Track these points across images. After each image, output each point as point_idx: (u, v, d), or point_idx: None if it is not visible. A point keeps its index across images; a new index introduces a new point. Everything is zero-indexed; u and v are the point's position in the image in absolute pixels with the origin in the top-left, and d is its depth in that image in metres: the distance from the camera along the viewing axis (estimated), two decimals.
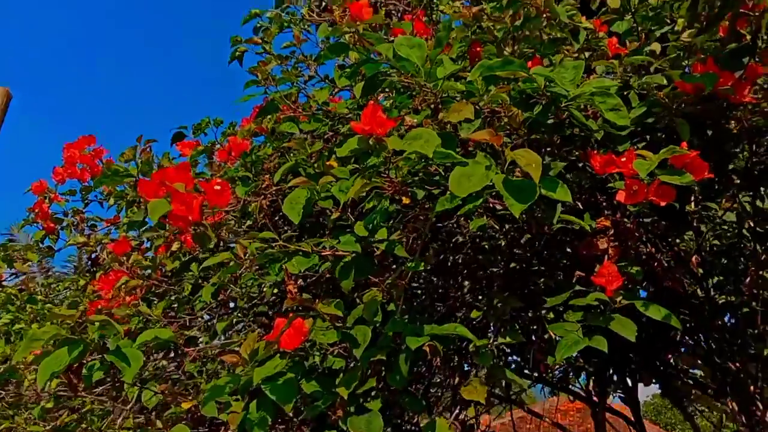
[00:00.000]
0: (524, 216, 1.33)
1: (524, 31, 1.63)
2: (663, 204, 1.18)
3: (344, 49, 1.37)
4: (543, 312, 1.45)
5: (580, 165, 1.42)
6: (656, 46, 1.65)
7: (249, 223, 1.59)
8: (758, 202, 1.96)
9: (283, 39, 1.98)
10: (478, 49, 1.79)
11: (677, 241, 2.23)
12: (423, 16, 2.03)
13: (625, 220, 1.54)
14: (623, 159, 1.20)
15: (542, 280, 1.46)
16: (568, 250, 1.51)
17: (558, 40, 1.57)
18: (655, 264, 2.23)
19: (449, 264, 1.78)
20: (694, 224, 2.14)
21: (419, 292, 1.90)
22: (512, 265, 1.51)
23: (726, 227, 2.29)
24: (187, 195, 1.07)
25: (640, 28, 1.78)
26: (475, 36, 1.75)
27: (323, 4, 2.01)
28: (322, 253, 1.14)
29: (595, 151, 1.30)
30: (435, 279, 1.82)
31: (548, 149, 1.40)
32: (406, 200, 1.13)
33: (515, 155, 1.05)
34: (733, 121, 1.59)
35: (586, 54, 1.65)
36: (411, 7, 2.00)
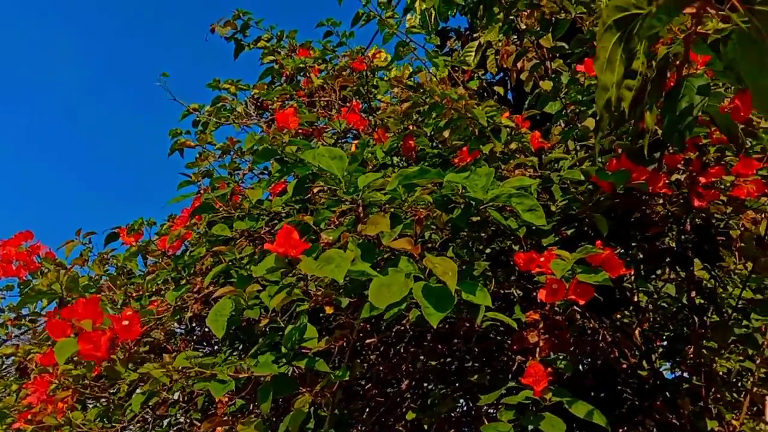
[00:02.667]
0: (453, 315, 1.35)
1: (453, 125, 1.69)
2: (582, 302, 1.21)
3: (272, 154, 1.40)
4: (479, 407, 1.45)
5: (508, 261, 1.45)
6: (590, 122, 1.72)
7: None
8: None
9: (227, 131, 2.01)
10: (411, 142, 1.85)
11: (617, 315, 2.27)
12: (359, 107, 2.08)
13: (557, 309, 1.57)
14: (542, 258, 1.23)
15: (476, 376, 1.47)
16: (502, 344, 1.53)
17: (484, 135, 1.64)
18: (599, 339, 2.26)
19: (391, 356, 1.78)
20: (635, 299, 2.19)
21: (363, 383, 1.89)
22: (448, 359, 1.52)
23: (667, 300, 2.35)
24: (94, 333, 1.06)
25: (569, 110, 1.87)
26: (408, 130, 1.81)
27: (260, 101, 2.06)
28: (240, 376, 1.12)
29: (520, 250, 1.34)
30: (380, 369, 1.81)
31: (476, 244, 1.43)
32: (329, 310, 1.14)
33: (432, 264, 1.07)
34: (653, 210, 1.66)
35: (514, 145, 1.72)
36: (347, 100, 2.06)
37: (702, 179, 1.59)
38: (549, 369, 1.38)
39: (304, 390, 1.24)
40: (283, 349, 1.18)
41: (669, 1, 0.42)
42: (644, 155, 1.48)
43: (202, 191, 1.76)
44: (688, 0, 0.42)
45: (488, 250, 1.67)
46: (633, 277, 2.10)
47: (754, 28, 0.43)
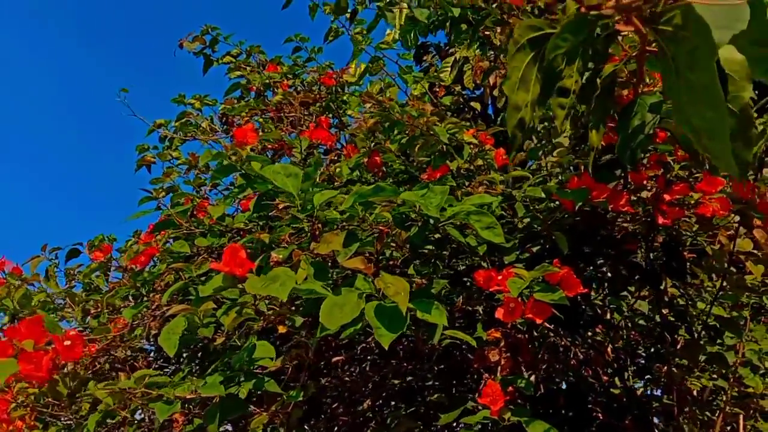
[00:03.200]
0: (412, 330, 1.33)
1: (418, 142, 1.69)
2: (539, 321, 1.20)
3: (232, 170, 1.38)
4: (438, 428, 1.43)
5: (467, 280, 1.44)
6: (564, 140, 1.72)
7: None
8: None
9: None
10: (377, 159, 1.84)
11: (589, 333, 2.26)
12: (327, 123, 2.07)
13: (520, 327, 1.56)
14: (500, 277, 1.22)
15: (436, 395, 1.45)
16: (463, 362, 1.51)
17: (449, 152, 1.63)
18: (570, 357, 2.25)
19: (357, 373, 1.76)
20: (607, 316, 2.18)
21: (330, 401, 1.86)
22: (409, 378, 1.50)
23: (640, 317, 2.34)
24: (35, 354, 1.04)
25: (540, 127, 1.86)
26: (375, 146, 1.80)
27: (226, 116, 2.05)
28: (188, 397, 1.10)
29: (480, 269, 1.33)
30: (346, 387, 1.79)
31: (437, 262, 1.42)
32: (282, 329, 1.12)
33: (384, 283, 1.06)
34: (620, 228, 1.66)
35: (480, 162, 1.72)
36: (315, 116, 2.05)
37: (666, 197, 1.59)
38: (510, 388, 1.36)
39: (259, 410, 1.22)
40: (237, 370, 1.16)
41: (572, 22, 0.42)
42: (607, 173, 1.48)
43: (170, 207, 1.74)
44: (593, 22, 0.41)
45: (462, 268, 1.66)
46: (604, 295, 2.10)
47: (662, 51, 0.42)
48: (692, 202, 1.61)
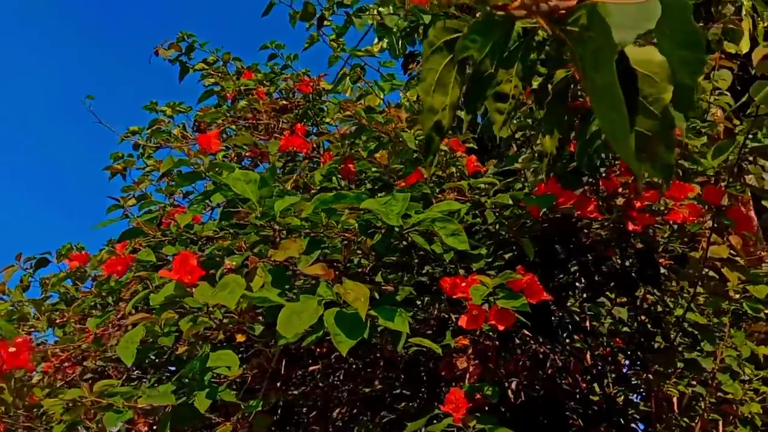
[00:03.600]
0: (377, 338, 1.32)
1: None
2: (501, 328, 1.19)
3: (195, 178, 1.37)
4: None
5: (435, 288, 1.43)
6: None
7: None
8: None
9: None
10: (351, 166, 1.83)
11: (567, 341, 2.25)
12: (303, 131, 2.06)
13: (491, 334, 1.55)
14: (463, 284, 1.22)
15: (403, 404, 1.44)
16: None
17: (418, 160, 1.63)
18: (547, 365, 2.23)
19: (331, 381, 1.74)
20: (585, 323, 2.18)
21: (305, 410, 1.84)
22: (380, 387, 1.49)
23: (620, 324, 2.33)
24: None
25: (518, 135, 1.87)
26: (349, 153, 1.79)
27: (196, 123, 2.04)
28: (139, 406, 1.08)
29: (446, 276, 1.32)
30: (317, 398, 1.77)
31: (406, 270, 1.42)
32: (240, 337, 1.11)
33: (344, 290, 1.05)
34: (593, 234, 1.65)
35: (453, 170, 1.71)
36: (290, 123, 2.04)
37: (637, 203, 1.59)
38: (478, 395, 1.36)
39: (222, 420, 1.20)
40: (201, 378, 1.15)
41: (478, 22, 0.41)
42: (573, 179, 1.48)
43: (139, 215, 1.72)
44: (501, 23, 0.40)
45: (436, 275, 1.65)
46: (581, 301, 2.10)
47: (572, 53, 0.41)
48: (662, 208, 1.61)
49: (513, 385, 1.97)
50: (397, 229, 1.27)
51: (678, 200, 1.57)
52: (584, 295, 1.86)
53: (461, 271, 1.55)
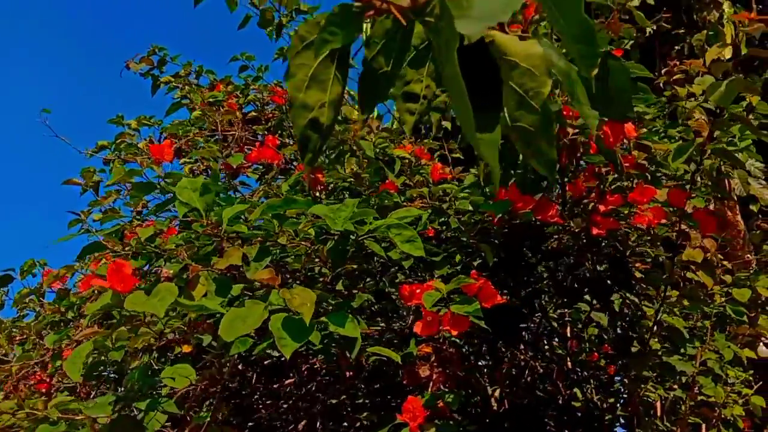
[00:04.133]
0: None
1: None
2: (455, 333, 1.18)
3: (151, 188, 1.36)
4: None
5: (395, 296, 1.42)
6: None
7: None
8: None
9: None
10: (320, 176, 1.82)
11: (547, 347, 2.24)
12: (275, 142, 2.06)
13: (457, 341, 1.53)
14: (417, 291, 1.21)
15: (365, 414, 1.42)
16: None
17: (382, 168, 1.62)
18: (527, 372, 2.22)
19: (302, 394, 1.73)
20: (565, 330, 2.16)
21: (278, 424, 1.83)
22: (342, 397, 1.47)
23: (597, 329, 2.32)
24: None
25: None
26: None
27: (164, 136, 2.04)
28: (76, 418, 1.07)
29: (405, 284, 1.31)
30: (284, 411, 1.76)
31: (361, 276, 1.41)
32: (186, 348, 1.10)
33: (289, 295, 1.04)
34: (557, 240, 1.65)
35: (419, 178, 1.71)
36: (263, 135, 2.04)
37: (601, 207, 1.58)
38: (440, 403, 1.34)
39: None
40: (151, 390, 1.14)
41: (334, 14, 0.40)
42: (532, 184, 1.48)
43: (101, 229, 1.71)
44: (359, 14, 0.39)
45: (398, 281, 1.64)
46: (555, 307, 2.09)
47: (434, 45, 0.41)
48: (626, 212, 1.60)
49: (496, 393, 1.96)
50: (352, 237, 1.26)
51: (641, 203, 1.56)
52: (559, 301, 1.85)
53: (428, 278, 1.54)
